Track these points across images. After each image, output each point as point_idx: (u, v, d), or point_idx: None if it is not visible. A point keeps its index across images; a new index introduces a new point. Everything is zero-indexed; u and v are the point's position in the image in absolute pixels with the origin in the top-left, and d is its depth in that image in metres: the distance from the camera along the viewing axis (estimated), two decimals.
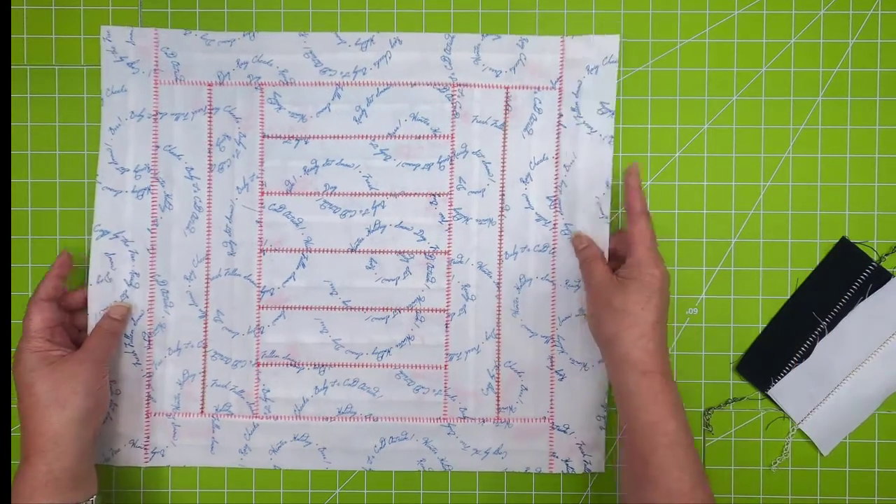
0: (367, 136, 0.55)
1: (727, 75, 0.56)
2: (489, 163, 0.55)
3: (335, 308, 0.56)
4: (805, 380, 0.55)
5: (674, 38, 0.56)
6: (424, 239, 0.56)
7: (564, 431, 0.55)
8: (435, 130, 0.55)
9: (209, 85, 0.55)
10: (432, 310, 0.56)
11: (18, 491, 0.47)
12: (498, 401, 0.56)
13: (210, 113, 0.55)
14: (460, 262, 0.56)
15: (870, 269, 0.55)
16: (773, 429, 0.56)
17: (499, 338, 0.56)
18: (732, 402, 0.56)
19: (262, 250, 0.56)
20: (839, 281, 0.55)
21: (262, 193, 0.56)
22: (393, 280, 0.56)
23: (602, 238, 0.54)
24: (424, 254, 0.56)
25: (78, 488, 0.49)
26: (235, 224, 0.56)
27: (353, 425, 0.56)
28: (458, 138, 0.55)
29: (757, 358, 0.56)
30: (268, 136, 0.55)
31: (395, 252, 0.56)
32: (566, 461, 0.56)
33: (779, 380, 0.56)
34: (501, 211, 0.56)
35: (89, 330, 0.54)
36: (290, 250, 0.56)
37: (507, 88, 0.55)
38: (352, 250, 0.56)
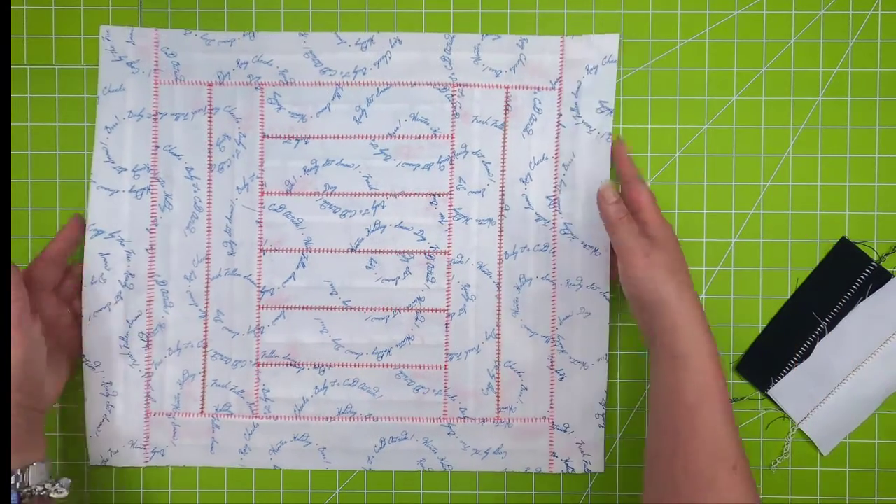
0: (367, 136, 0.55)
1: (727, 75, 0.56)
2: (489, 163, 0.55)
3: (335, 308, 0.56)
4: (805, 380, 0.55)
5: (674, 38, 0.56)
6: (424, 239, 0.56)
7: (564, 431, 0.55)
8: (435, 130, 0.55)
9: (209, 85, 0.55)
10: (432, 310, 0.56)
11: None
12: (498, 401, 0.56)
13: (210, 113, 0.55)
14: (460, 262, 0.55)
15: (870, 269, 0.55)
16: (773, 429, 0.56)
17: (499, 338, 0.56)
18: (732, 402, 0.56)
19: (262, 250, 0.56)
20: (839, 281, 0.55)
21: (262, 193, 0.56)
22: (393, 280, 0.56)
23: (603, 236, 0.54)
24: (424, 254, 0.56)
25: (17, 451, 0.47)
26: (235, 224, 0.56)
27: (353, 425, 0.56)
28: (458, 138, 0.55)
29: (757, 358, 0.56)
30: (268, 136, 0.55)
31: (395, 252, 0.56)
32: (566, 461, 0.55)
33: (779, 380, 0.56)
34: (501, 211, 0.55)
35: (84, 330, 0.54)
36: (290, 250, 0.56)
37: (507, 88, 0.55)
38: (352, 250, 0.56)
